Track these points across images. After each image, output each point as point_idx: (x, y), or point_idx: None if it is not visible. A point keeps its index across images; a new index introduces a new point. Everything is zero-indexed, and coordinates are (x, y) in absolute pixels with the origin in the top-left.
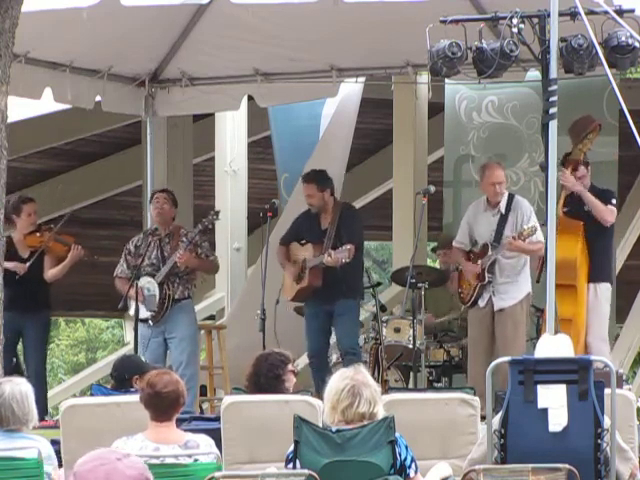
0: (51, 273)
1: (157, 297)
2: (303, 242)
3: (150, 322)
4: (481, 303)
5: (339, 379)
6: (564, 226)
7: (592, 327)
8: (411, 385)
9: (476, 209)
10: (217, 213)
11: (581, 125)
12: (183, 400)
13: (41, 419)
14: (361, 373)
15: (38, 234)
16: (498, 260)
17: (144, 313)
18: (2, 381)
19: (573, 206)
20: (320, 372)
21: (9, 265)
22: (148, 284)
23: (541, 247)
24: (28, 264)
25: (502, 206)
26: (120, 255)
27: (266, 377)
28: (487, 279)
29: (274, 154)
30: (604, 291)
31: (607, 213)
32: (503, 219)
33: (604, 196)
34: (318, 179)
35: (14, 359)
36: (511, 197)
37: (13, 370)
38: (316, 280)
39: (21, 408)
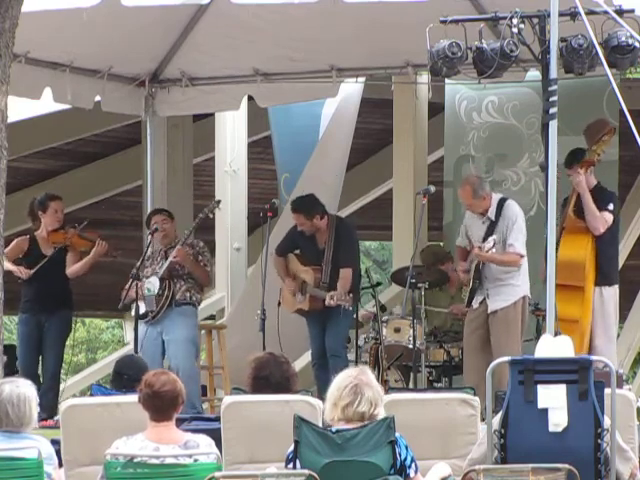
0: (73, 269)
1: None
2: (299, 254)
3: (147, 317)
4: (475, 305)
5: (343, 377)
6: (574, 226)
7: (598, 330)
8: (411, 385)
9: (471, 212)
10: (218, 202)
11: (596, 127)
12: (182, 399)
13: (50, 418)
14: (366, 374)
15: (62, 231)
16: (488, 264)
17: (143, 310)
18: (4, 382)
19: (582, 206)
20: (323, 373)
21: (12, 268)
22: (148, 284)
23: (516, 259)
24: (32, 271)
25: (491, 213)
26: (120, 255)
27: (281, 377)
28: (471, 284)
29: (274, 154)
30: (611, 294)
31: (599, 221)
32: (492, 225)
33: (602, 199)
34: (304, 208)
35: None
36: (502, 202)
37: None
38: (317, 305)
39: (15, 411)
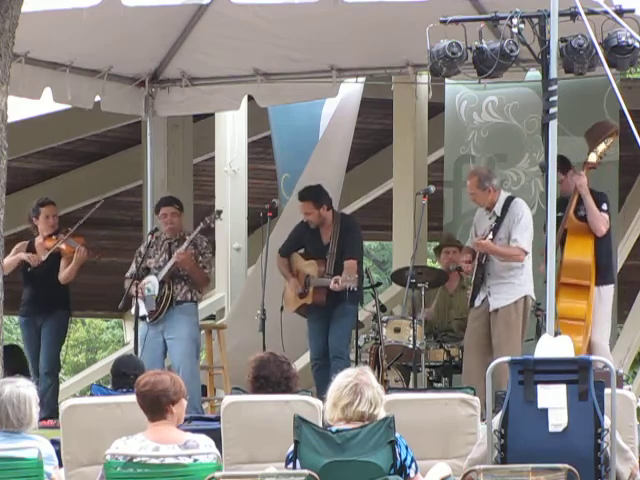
0: (63, 275)
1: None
2: (303, 252)
3: (147, 319)
4: (477, 303)
5: (343, 377)
6: (576, 228)
7: (597, 327)
8: (411, 385)
9: (480, 211)
10: (219, 213)
11: (599, 129)
12: (168, 399)
13: (50, 418)
14: (366, 374)
15: (55, 237)
16: (492, 261)
17: (143, 311)
18: (4, 382)
19: (582, 208)
20: (322, 374)
21: (23, 256)
22: (149, 284)
23: (517, 253)
24: (43, 257)
25: (497, 209)
26: (120, 255)
27: (281, 377)
28: (474, 280)
29: (274, 154)
30: (609, 293)
31: (601, 222)
32: (498, 221)
33: (596, 201)
34: (314, 196)
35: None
36: (509, 199)
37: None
38: (320, 298)
39: (16, 413)
